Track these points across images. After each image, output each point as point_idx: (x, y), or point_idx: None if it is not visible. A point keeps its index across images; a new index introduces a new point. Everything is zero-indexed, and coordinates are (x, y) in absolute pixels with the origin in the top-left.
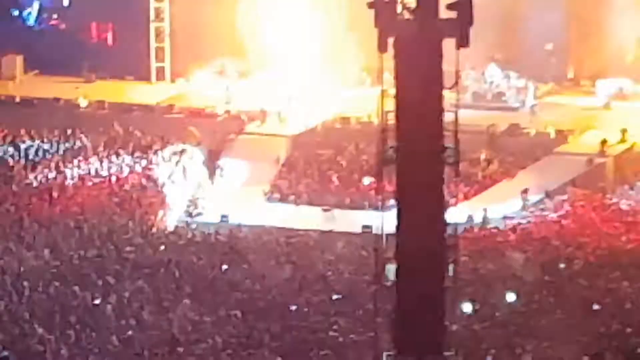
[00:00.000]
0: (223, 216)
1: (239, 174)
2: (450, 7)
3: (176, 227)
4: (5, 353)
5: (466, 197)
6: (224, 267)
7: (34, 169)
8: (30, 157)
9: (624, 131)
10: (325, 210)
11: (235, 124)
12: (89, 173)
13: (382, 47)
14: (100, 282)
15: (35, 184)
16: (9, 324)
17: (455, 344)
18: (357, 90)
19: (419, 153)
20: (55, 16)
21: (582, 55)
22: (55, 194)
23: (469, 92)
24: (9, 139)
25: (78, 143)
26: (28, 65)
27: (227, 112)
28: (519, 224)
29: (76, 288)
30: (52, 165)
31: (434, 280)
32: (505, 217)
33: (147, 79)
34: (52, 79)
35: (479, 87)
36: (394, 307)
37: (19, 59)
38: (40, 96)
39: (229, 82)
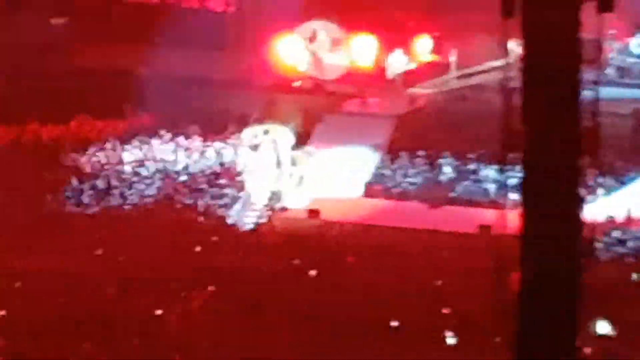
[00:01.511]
0: (312, 211)
1: (332, 161)
2: None
3: (256, 223)
4: None
5: (607, 193)
6: (312, 272)
7: (85, 152)
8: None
9: None
10: (434, 205)
11: (328, 100)
12: (151, 158)
13: (507, 11)
14: (162, 289)
15: (88, 169)
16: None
17: None
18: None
19: (549, 138)
20: None
21: None
22: (109, 183)
23: (612, 67)
24: None
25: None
26: None
27: (319, 86)
28: None
29: (134, 295)
30: (108, 148)
31: (565, 293)
32: None
33: (221, 47)
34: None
35: (624, 60)
36: (517, 325)
37: None
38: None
39: (320, 50)
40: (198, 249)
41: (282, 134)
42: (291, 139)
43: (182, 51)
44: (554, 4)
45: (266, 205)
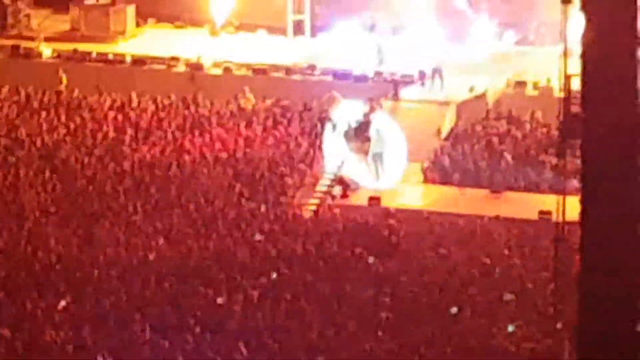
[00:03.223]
0: (372, 198)
1: (391, 149)
2: None
3: (316, 210)
4: None
5: None
6: (371, 259)
7: (145, 141)
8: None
9: None
10: (494, 192)
11: (387, 88)
12: (211, 147)
13: None
14: (224, 277)
15: (148, 157)
16: (115, 325)
17: None
18: (533, 49)
19: (608, 124)
20: None
21: None
22: (171, 172)
23: None
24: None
25: (199, 111)
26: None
27: (379, 74)
28: None
29: (196, 284)
30: (168, 136)
31: (626, 278)
32: None
33: (282, 32)
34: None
35: None
36: (578, 311)
37: (130, 10)
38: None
39: (380, 39)
40: (259, 237)
41: (342, 122)
42: (350, 127)
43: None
44: None
45: (327, 192)
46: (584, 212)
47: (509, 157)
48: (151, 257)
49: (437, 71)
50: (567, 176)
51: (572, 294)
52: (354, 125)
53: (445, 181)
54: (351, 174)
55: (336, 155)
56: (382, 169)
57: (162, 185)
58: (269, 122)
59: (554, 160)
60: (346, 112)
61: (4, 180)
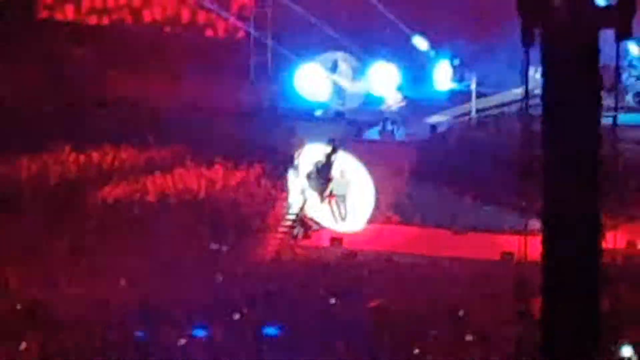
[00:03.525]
0: (334, 239)
1: (354, 189)
2: None
3: (278, 252)
4: None
5: (629, 220)
6: (332, 300)
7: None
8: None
9: None
10: (456, 232)
11: (350, 129)
12: (175, 187)
13: (526, 39)
14: (185, 318)
15: (110, 199)
16: None
17: None
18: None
19: (569, 165)
20: None
21: None
22: (134, 213)
23: (630, 94)
24: None
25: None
26: None
27: (341, 115)
28: None
29: (158, 325)
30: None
31: (587, 318)
32: None
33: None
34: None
35: None
36: (540, 351)
37: None
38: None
39: (342, 80)
40: (220, 278)
41: (303, 163)
42: (312, 167)
43: (204, 82)
44: (573, 32)
45: (289, 233)
46: (545, 253)
47: (470, 197)
48: (113, 298)
49: (398, 112)
50: (528, 216)
51: (534, 335)
52: (316, 166)
53: (407, 222)
54: (314, 215)
55: (298, 196)
56: (345, 210)
57: (125, 226)
58: (231, 163)
59: (516, 200)
60: (308, 153)
61: None
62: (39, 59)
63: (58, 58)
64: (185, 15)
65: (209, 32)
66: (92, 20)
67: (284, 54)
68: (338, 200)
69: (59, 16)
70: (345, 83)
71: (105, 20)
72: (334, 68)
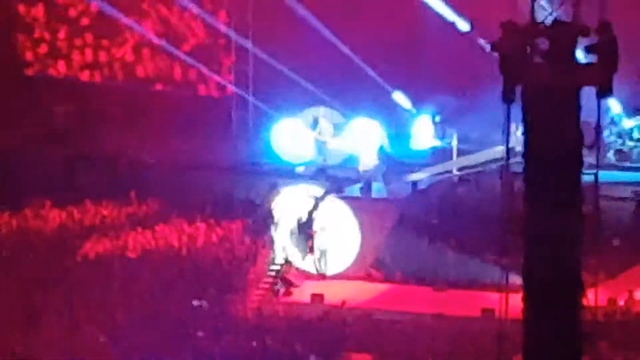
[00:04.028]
0: (315, 295)
1: (335, 246)
2: (589, 49)
3: (259, 308)
4: None
5: (610, 277)
6: (312, 357)
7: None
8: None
9: None
10: (437, 288)
11: (331, 185)
12: (156, 243)
13: (508, 97)
14: None
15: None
16: None
17: None
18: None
19: (550, 222)
20: None
21: None
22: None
23: (611, 151)
24: None
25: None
26: None
27: (323, 171)
28: None
29: None
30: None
31: None
32: None
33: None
34: None
35: (623, 143)
36: None
37: None
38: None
39: (322, 136)
40: (200, 334)
41: (284, 220)
42: (293, 224)
43: (186, 138)
44: (554, 90)
45: (269, 289)
46: (526, 309)
47: (452, 253)
48: (92, 353)
49: (376, 170)
50: (510, 273)
51: None
52: (298, 222)
53: (388, 278)
54: (297, 265)
55: (280, 252)
56: (326, 264)
57: (105, 282)
58: (213, 219)
59: (497, 257)
60: (290, 209)
61: None
62: (24, 114)
63: (43, 114)
64: (173, 73)
65: (193, 89)
66: (84, 76)
67: (266, 111)
68: (320, 254)
69: (51, 72)
70: (327, 139)
71: (97, 77)
72: (314, 124)
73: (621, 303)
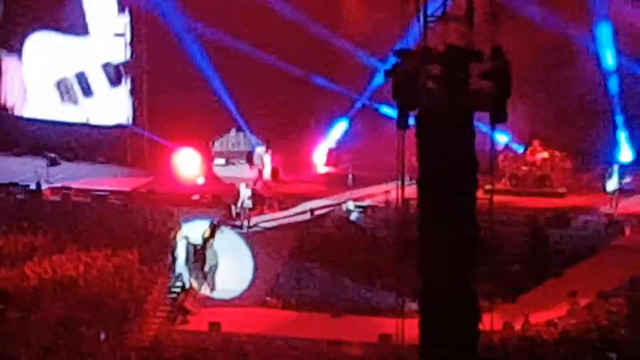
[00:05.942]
0: (213, 324)
1: (231, 273)
2: (483, 76)
3: (156, 336)
4: None
5: (506, 301)
6: None
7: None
8: None
9: None
10: (334, 316)
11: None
12: (53, 272)
13: (402, 123)
14: None
15: None
16: None
17: None
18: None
19: (445, 248)
20: None
21: None
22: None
23: (506, 176)
24: None
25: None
26: None
27: (219, 198)
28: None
29: None
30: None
31: None
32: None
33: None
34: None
35: (518, 168)
36: None
37: None
38: None
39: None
40: None
41: (181, 248)
42: (189, 250)
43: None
44: (448, 116)
45: (166, 317)
46: (422, 335)
47: (349, 280)
48: None
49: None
50: (405, 299)
51: None
52: (194, 249)
53: (285, 305)
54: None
55: (177, 281)
56: (213, 281)
57: (1, 312)
58: (109, 248)
59: (393, 283)
60: (186, 237)
61: None
62: None
63: None
64: None
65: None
66: None
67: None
68: (209, 268)
69: None
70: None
71: None
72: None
73: (517, 328)
